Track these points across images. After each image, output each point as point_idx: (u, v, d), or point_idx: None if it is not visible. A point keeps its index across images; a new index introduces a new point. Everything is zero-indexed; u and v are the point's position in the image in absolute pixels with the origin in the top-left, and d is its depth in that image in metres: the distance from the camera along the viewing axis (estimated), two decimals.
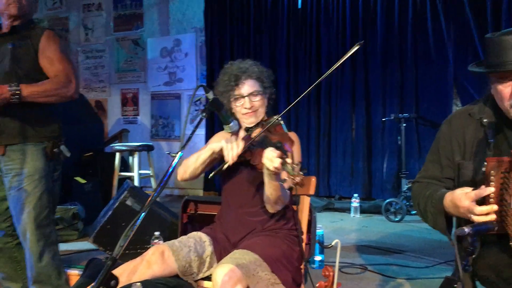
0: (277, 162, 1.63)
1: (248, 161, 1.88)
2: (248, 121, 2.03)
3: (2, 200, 2.47)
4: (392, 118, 5.01)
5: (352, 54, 1.73)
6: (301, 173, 1.57)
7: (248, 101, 2.00)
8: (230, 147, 1.80)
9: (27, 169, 2.35)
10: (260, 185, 1.92)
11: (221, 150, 1.85)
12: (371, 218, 4.88)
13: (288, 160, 1.62)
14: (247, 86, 2.02)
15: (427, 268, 3.24)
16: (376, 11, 5.27)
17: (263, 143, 1.78)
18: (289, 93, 5.70)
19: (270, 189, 1.81)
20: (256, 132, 1.92)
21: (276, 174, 1.72)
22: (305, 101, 5.62)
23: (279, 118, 1.87)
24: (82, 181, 4.69)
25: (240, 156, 1.88)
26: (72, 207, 4.04)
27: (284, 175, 1.63)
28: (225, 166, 1.83)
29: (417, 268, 3.24)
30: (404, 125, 4.95)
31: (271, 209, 1.91)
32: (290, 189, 1.59)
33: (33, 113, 2.35)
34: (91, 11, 6.86)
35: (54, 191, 2.49)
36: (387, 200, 4.78)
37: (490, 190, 1.41)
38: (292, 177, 1.57)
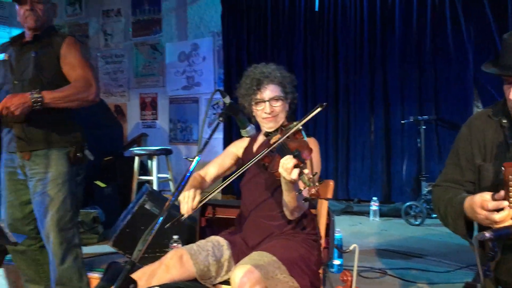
0: (294, 173, 1.62)
1: (266, 166, 1.88)
2: (267, 125, 2.04)
3: (26, 203, 2.52)
4: (411, 120, 4.96)
5: (315, 114, 1.78)
6: (317, 184, 1.56)
7: (268, 106, 2.01)
8: (185, 201, 1.82)
9: (51, 173, 2.41)
10: (278, 189, 1.92)
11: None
12: (391, 222, 4.83)
13: (305, 171, 1.61)
14: (269, 91, 2.03)
15: (448, 272, 3.20)
16: (394, 12, 5.23)
17: (282, 150, 1.78)
18: (306, 95, 5.67)
19: (287, 197, 1.81)
20: (275, 138, 1.92)
21: (292, 184, 1.71)
22: (323, 101, 5.58)
23: (301, 127, 1.87)
24: (102, 185, 4.74)
25: (259, 161, 1.88)
26: (93, 211, 4.09)
27: (301, 185, 1.62)
28: (182, 218, 1.86)
29: (438, 273, 3.19)
30: (424, 127, 4.89)
31: (289, 216, 1.91)
32: (307, 199, 1.57)
33: (56, 119, 2.41)
34: (110, 17, 6.96)
35: (77, 195, 2.54)
36: (407, 203, 4.72)
37: (505, 204, 1.39)
38: (308, 188, 1.56)
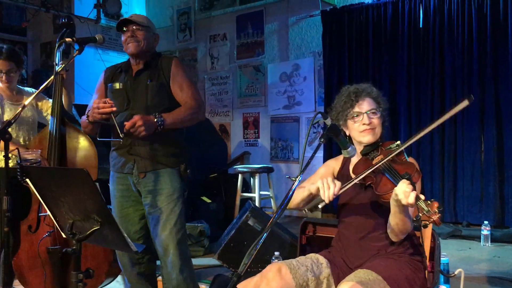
0: (411, 198, 1.62)
1: (366, 186, 1.89)
2: (365, 138, 2.04)
3: (140, 219, 2.68)
4: None
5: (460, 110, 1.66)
6: (436, 211, 1.54)
7: (367, 117, 2.02)
8: (326, 186, 1.80)
9: (166, 189, 2.57)
10: (381, 209, 1.91)
11: (317, 190, 1.86)
12: (504, 248, 4.49)
13: (422, 196, 1.60)
14: (366, 103, 2.05)
15: None
16: (507, 25, 4.92)
17: (389, 172, 1.78)
18: (410, 116, 5.50)
19: (396, 219, 1.80)
20: (378, 159, 1.92)
21: (406, 207, 1.71)
22: (428, 119, 5.37)
23: (400, 145, 1.86)
24: (208, 200, 5.00)
25: (360, 180, 1.90)
26: (199, 224, 4.31)
27: (417, 210, 1.61)
28: (321, 204, 1.84)
29: None
30: None
31: (394, 238, 1.90)
32: (426, 226, 1.56)
33: (170, 140, 2.58)
34: (217, 41, 7.35)
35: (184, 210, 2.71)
36: None
37: None
38: (427, 215, 1.55)
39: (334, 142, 5.75)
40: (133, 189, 2.65)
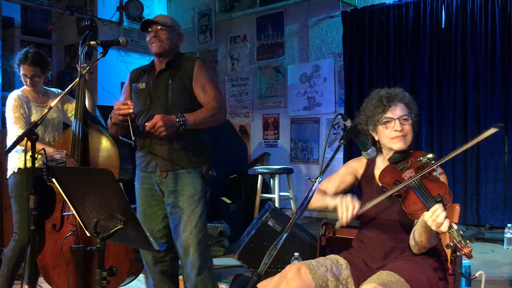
0: (444, 227, 1.60)
1: (399, 200, 1.87)
2: (396, 145, 2.01)
3: (163, 218, 2.73)
4: None
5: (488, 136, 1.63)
6: (468, 242, 1.52)
7: (399, 124, 2.00)
8: (345, 207, 1.80)
9: (188, 190, 2.60)
10: (404, 215, 1.90)
11: (335, 207, 1.86)
12: None
13: (454, 226, 1.58)
14: (399, 109, 2.02)
15: None
16: None
17: (418, 190, 1.76)
18: (431, 119, 5.42)
19: (421, 238, 1.79)
20: (408, 173, 1.90)
21: (433, 231, 1.69)
22: (450, 122, 5.32)
23: (432, 160, 1.84)
24: (228, 201, 5.02)
25: (385, 188, 1.89)
26: (219, 225, 4.34)
27: (448, 238, 1.59)
28: (337, 225, 1.84)
29: None
30: None
31: (415, 251, 1.90)
32: (448, 247, 1.54)
33: (193, 140, 2.61)
34: (237, 42, 7.38)
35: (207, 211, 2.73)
36: None
37: None
38: (459, 246, 1.53)
39: (354, 144, 5.74)
40: (157, 189, 2.69)
